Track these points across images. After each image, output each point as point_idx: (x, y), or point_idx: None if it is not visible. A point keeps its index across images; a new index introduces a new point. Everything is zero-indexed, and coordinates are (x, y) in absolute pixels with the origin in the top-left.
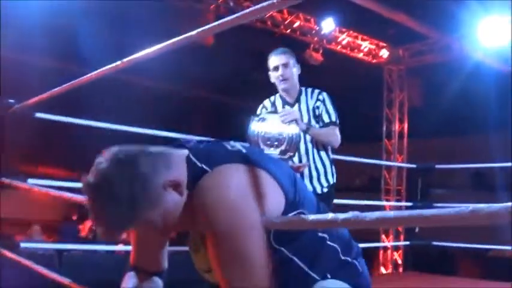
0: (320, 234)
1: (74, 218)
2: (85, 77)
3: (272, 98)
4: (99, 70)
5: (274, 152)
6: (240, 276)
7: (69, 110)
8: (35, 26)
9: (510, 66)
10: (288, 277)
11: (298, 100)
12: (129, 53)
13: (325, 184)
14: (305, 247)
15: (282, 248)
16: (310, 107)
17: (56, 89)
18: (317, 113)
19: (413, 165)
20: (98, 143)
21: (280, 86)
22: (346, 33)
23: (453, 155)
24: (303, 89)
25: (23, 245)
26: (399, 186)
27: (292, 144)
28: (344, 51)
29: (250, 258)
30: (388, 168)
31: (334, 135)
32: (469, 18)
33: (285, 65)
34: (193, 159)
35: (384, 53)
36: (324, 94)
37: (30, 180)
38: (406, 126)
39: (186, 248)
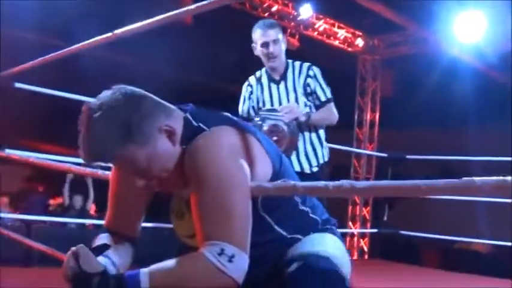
0: (301, 206)
1: (40, 189)
2: (74, 46)
3: (258, 73)
4: (89, 40)
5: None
6: (217, 224)
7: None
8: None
9: (486, 62)
10: (270, 241)
11: (284, 77)
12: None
13: (314, 163)
14: (288, 216)
15: (266, 216)
16: (300, 84)
17: (38, 60)
18: (309, 90)
19: (384, 154)
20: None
21: (269, 64)
22: (323, 20)
23: (423, 147)
24: (290, 62)
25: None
26: (368, 175)
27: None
28: (320, 38)
29: (233, 213)
30: (358, 156)
31: (333, 114)
32: (445, 12)
33: (275, 42)
34: (190, 118)
35: (360, 42)
36: (314, 68)
37: (8, 150)
38: (377, 115)
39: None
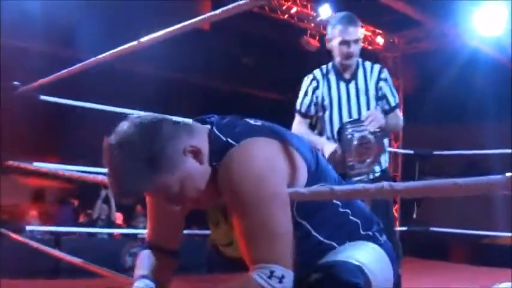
0: (341, 209)
1: (75, 203)
2: (91, 60)
3: (324, 68)
4: (114, 50)
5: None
6: (263, 245)
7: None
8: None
9: (507, 54)
10: (307, 250)
11: (355, 76)
12: (128, 40)
13: (377, 169)
14: (326, 221)
15: (304, 222)
16: (371, 86)
17: (61, 72)
18: (380, 94)
19: (411, 151)
20: (98, 131)
21: (344, 62)
22: None
23: (448, 143)
24: (360, 61)
25: (28, 228)
26: (395, 173)
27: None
28: None
29: (276, 232)
30: None
31: (400, 120)
32: (465, 5)
33: (356, 41)
34: (217, 132)
35: (380, 40)
36: (386, 71)
37: (36, 164)
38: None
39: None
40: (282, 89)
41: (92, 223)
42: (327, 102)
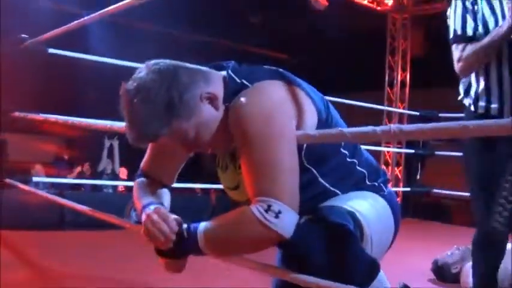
0: (349, 159)
1: (66, 157)
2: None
3: None
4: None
5: None
6: (266, 180)
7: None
8: None
9: None
10: (312, 196)
11: None
12: None
13: None
14: (334, 169)
15: (312, 168)
16: None
17: (67, 26)
18: None
19: (416, 113)
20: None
21: None
22: None
23: (455, 105)
24: None
25: (35, 179)
26: None
27: None
28: None
29: (281, 169)
30: (389, 116)
31: None
32: None
33: None
34: (233, 75)
35: (389, 1)
36: None
37: (43, 115)
38: (408, 75)
39: None
40: (290, 49)
41: (96, 176)
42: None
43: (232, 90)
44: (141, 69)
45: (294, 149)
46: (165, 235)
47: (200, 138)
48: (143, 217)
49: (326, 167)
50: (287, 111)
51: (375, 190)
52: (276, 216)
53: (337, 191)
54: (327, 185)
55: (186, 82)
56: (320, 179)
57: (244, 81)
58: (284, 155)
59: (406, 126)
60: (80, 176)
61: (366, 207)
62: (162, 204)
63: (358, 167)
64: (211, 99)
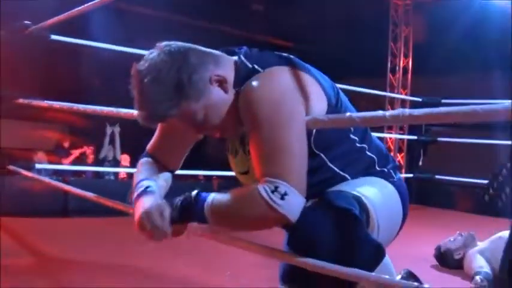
0: (358, 144)
1: (66, 145)
2: None
3: None
4: None
5: None
6: (274, 161)
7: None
8: None
9: None
10: (321, 181)
11: None
12: None
13: None
14: (343, 155)
15: (321, 154)
16: None
17: (69, 12)
18: None
19: (419, 99)
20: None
21: None
22: None
23: (458, 92)
24: None
25: (38, 166)
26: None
27: None
28: None
29: (289, 151)
30: (392, 102)
31: None
32: None
33: None
34: (244, 60)
35: None
36: None
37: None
38: (410, 61)
39: None
40: (292, 36)
41: (98, 163)
42: None
43: (244, 75)
44: (153, 50)
45: (303, 133)
46: (162, 234)
47: (209, 121)
48: (135, 204)
49: (335, 152)
50: (297, 96)
51: (384, 176)
52: (282, 198)
53: (347, 176)
54: (336, 169)
55: (196, 64)
56: (329, 164)
57: (256, 66)
58: (293, 139)
59: (416, 111)
60: (80, 160)
61: (373, 192)
62: (154, 181)
63: (367, 152)
64: (221, 82)
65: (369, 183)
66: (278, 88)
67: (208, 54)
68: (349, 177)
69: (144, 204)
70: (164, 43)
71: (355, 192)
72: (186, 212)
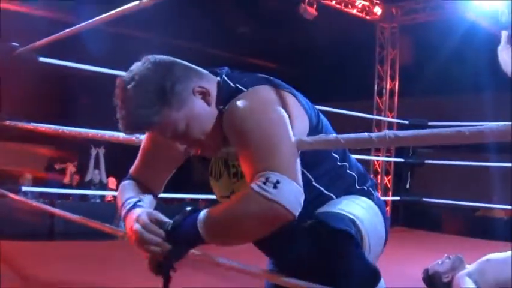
0: (339, 163)
1: (56, 167)
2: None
3: None
4: (112, 12)
5: None
6: (265, 161)
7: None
8: None
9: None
10: (309, 199)
11: None
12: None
13: None
14: (326, 173)
15: (305, 171)
16: None
17: (60, 33)
18: None
19: (406, 121)
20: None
21: None
22: None
23: (444, 114)
24: None
25: (24, 188)
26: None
27: None
28: (338, 6)
29: (279, 145)
30: (378, 124)
31: None
32: None
33: None
34: (227, 79)
35: (378, 10)
36: None
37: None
38: (397, 83)
39: None
40: (279, 58)
41: (84, 186)
42: None
43: (227, 94)
44: (138, 62)
45: (291, 134)
46: (158, 246)
47: (191, 133)
48: (126, 219)
49: (319, 170)
50: (283, 113)
51: (365, 194)
52: (275, 187)
53: (331, 195)
54: (321, 188)
55: (180, 75)
56: (314, 183)
57: (239, 86)
58: (282, 139)
59: (401, 132)
60: (66, 178)
61: (363, 212)
62: (142, 200)
63: (348, 171)
64: (204, 94)
65: (356, 202)
66: (263, 102)
67: (192, 68)
68: (334, 196)
69: (136, 214)
70: (151, 55)
71: (347, 213)
72: (176, 238)
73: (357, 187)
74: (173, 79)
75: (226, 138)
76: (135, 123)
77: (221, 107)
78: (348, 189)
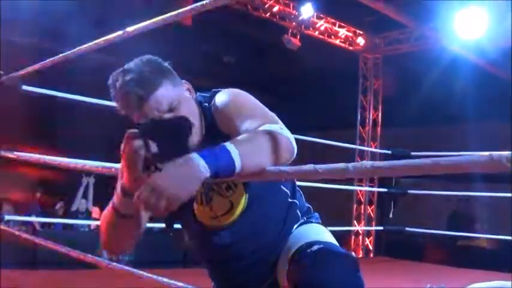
0: (290, 199)
1: (38, 195)
2: (83, 46)
3: None
4: (99, 40)
5: None
6: (266, 115)
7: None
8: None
9: (486, 58)
10: (276, 201)
11: None
12: (110, 32)
13: None
14: (279, 205)
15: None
16: None
17: (45, 61)
18: None
19: (388, 152)
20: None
21: None
22: (324, 20)
23: (427, 144)
24: None
25: (7, 217)
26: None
27: None
28: (321, 37)
29: (267, 109)
30: (362, 154)
31: None
32: (446, 9)
33: None
34: (201, 93)
35: (361, 41)
36: None
37: (17, 153)
38: (380, 114)
39: None
40: (262, 88)
41: (70, 215)
42: None
43: (203, 98)
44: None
45: None
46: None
47: (180, 113)
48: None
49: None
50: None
51: (318, 223)
52: (281, 128)
53: (295, 201)
54: (286, 190)
55: (170, 68)
56: (282, 186)
57: (214, 90)
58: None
59: (378, 163)
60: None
61: (334, 241)
62: None
63: (295, 208)
64: (189, 90)
65: (325, 232)
66: (244, 93)
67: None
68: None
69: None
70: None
71: (328, 241)
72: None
73: (305, 219)
74: (167, 67)
75: (206, 135)
76: (145, 78)
77: (205, 104)
78: (305, 218)
